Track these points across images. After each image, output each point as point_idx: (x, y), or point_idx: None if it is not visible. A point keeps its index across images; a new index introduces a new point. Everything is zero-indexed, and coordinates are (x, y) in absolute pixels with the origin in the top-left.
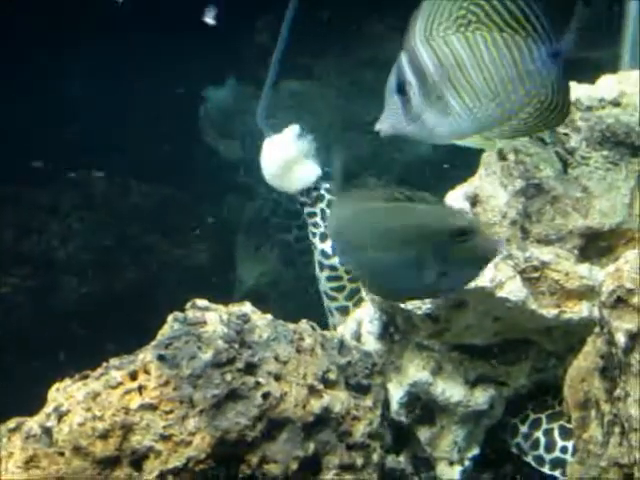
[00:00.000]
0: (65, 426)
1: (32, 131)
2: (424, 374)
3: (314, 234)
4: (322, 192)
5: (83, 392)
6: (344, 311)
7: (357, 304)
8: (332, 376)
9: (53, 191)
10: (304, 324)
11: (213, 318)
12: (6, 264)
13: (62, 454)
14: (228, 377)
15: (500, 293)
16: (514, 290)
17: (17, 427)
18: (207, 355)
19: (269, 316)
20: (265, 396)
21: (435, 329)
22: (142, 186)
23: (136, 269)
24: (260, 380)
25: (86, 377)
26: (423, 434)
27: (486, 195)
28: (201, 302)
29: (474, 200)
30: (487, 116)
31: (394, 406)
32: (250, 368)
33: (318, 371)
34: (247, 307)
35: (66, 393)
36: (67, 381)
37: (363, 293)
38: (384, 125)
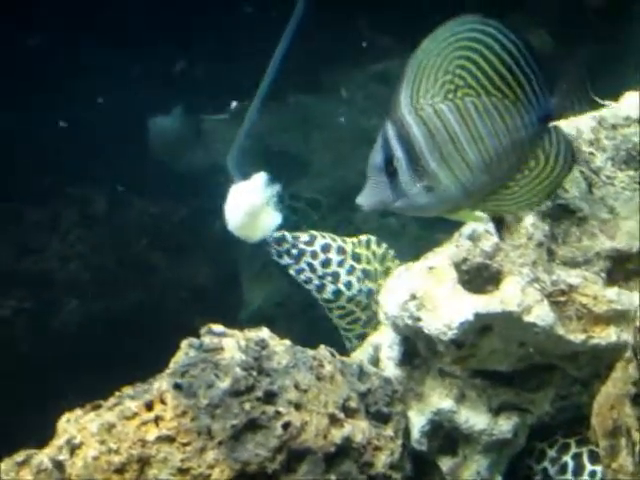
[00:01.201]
0: (79, 460)
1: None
2: (448, 402)
3: (309, 289)
4: (302, 247)
5: (97, 423)
6: (362, 338)
7: (375, 328)
8: (353, 404)
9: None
10: (323, 350)
11: (230, 344)
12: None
13: None
14: (247, 406)
15: (527, 318)
16: (542, 315)
17: (26, 460)
18: (225, 383)
19: (287, 342)
20: (285, 426)
21: (459, 355)
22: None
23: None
24: (280, 409)
25: (98, 407)
26: (445, 464)
27: (511, 217)
28: (217, 327)
29: (500, 222)
30: (478, 188)
31: (415, 435)
32: (269, 397)
33: (339, 399)
34: (264, 332)
35: (78, 424)
36: (78, 411)
37: (381, 317)
38: (368, 201)
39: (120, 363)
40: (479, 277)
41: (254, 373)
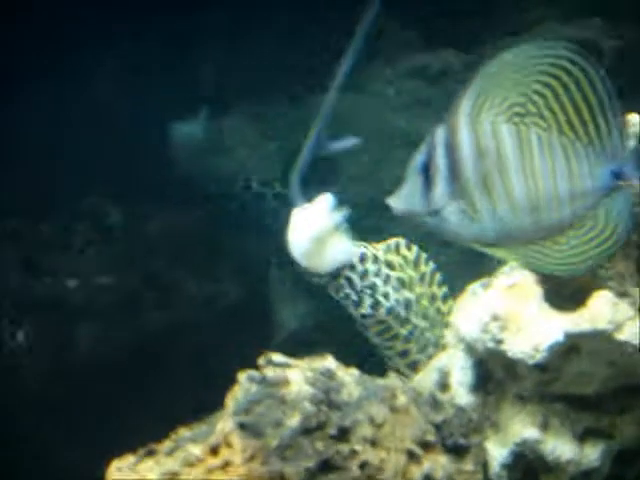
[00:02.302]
0: None
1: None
2: (533, 430)
3: (347, 305)
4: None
5: (158, 472)
6: (405, 355)
7: (424, 348)
8: (430, 437)
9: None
10: (394, 379)
11: (296, 377)
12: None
13: None
14: (319, 445)
15: (619, 336)
16: (635, 332)
17: None
18: (294, 421)
19: (355, 371)
20: (362, 466)
21: (542, 379)
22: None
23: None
24: (355, 447)
25: (153, 453)
26: None
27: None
28: (277, 357)
29: None
30: (518, 230)
31: (495, 468)
32: (343, 433)
33: (415, 433)
34: (330, 361)
35: (135, 474)
36: (129, 458)
37: (449, 338)
38: (398, 204)
39: (148, 394)
40: (561, 293)
41: (324, 408)
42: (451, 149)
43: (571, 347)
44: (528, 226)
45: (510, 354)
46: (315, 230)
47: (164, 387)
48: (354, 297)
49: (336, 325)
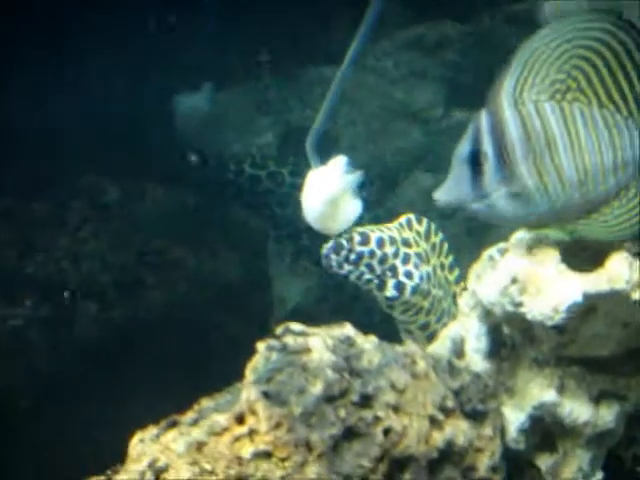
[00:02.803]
0: None
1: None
2: (550, 394)
3: (369, 290)
4: (359, 249)
5: (184, 442)
6: (425, 327)
7: (440, 318)
8: (449, 403)
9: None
10: (413, 345)
11: (317, 344)
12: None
13: None
14: (342, 413)
15: (635, 296)
16: None
17: None
18: (317, 388)
19: (374, 338)
20: (386, 432)
21: (560, 341)
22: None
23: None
24: (379, 414)
25: (175, 424)
26: (544, 462)
27: None
28: (295, 326)
29: None
30: (568, 206)
31: (512, 433)
32: (365, 400)
33: (436, 399)
34: (349, 329)
35: (159, 445)
36: (152, 429)
37: (462, 306)
38: (446, 196)
39: (147, 371)
40: (579, 255)
41: (346, 375)
42: (497, 134)
43: (589, 308)
44: (577, 201)
45: (529, 316)
46: (330, 193)
47: (163, 364)
48: (376, 281)
49: (339, 298)
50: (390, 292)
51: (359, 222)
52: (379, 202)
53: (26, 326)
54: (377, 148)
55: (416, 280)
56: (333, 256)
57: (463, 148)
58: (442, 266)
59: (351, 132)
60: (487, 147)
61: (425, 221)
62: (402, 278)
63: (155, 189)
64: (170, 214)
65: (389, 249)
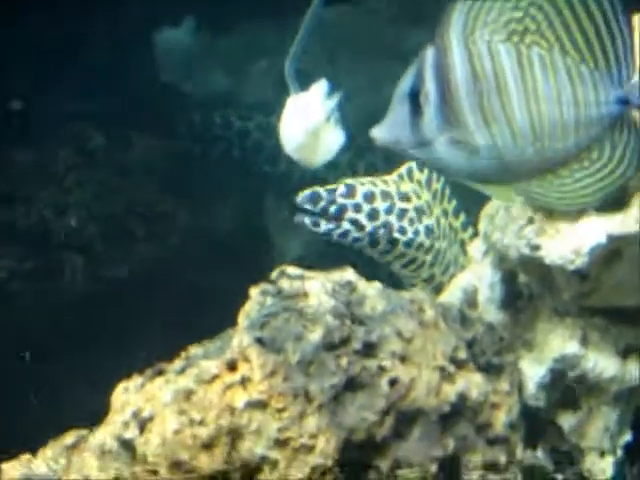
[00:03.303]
0: (154, 437)
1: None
2: (573, 345)
3: (360, 249)
4: (341, 201)
5: (170, 391)
6: (430, 280)
7: (445, 269)
8: (461, 355)
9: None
10: (420, 292)
11: (315, 288)
12: None
13: (155, 472)
14: (344, 362)
15: None
16: None
17: (79, 442)
18: (316, 335)
19: (378, 284)
20: (392, 383)
21: (582, 289)
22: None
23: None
24: (384, 364)
25: (162, 372)
26: (566, 421)
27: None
28: (292, 269)
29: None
30: (520, 163)
31: (531, 389)
32: (369, 349)
33: (447, 349)
34: (349, 273)
35: (144, 394)
36: (137, 378)
37: (474, 253)
38: (384, 136)
39: (140, 328)
40: None
41: (347, 321)
42: (442, 72)
43: (613, 252)
44: (530, 158)
45: (548, 260)
46: (309, 122)
47: (155, 322)
48: (367, 239)
49: (341, 251)
50: (382, 247)
51: (342, 154)
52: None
53: (9, 279)
54: (375, 96)
55: (410, 235)
56: (308, 206)
57: (404, 83)
58: (445, 213)
59: (348, 78)
60: (429, 85)
61: (426, 170)
62: (396, 235)
63: (143, 137)
64: (160, 164)
65: (380, 204)
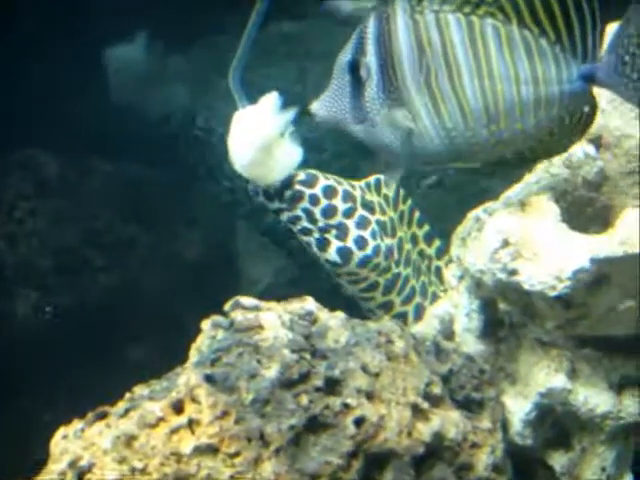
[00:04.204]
0: None
1: None
2: (559, 378)
3: (308, 244)
4: (298, 188)
5: (110, 436)
6: (388, 307)
7: (407, 297)
8: (436, 390)
9: None
10: (389, 322)
11: (270, 320)
12: None
13: None
14: (304, 400)
15: None
16: None
17: None
18: (272, 372)
19: (341, 314)
20: (358, 422)
21: (567, 317)
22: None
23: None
24: (348, 401)
25: (105, 415)
26: (558, 461)
27: (616, 135)
28: (247, 300)
29: (599, 142)
30: (470, 147)
31: (515, 426)
32: (332, 385)
33: (419, 384)
34: (310, 303)
35: (83, 440)
36: (77, 423)
37: (449, 279)
38: (323, 111)
39: (98, 365)
40: (582, 215)
41: (307, 356)
42: (383, 43)
43: (599, 277)
44: (484, 141)
45: (527, 286)
46: (260, 135)
47: (114, 357)
48: (316, 235)
49: (312, 281)
50: (331, 255)
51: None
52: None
53: None
54: None
55: (368, 252)
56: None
57: (344, 56)
58: (414, 238)
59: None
60: (370, 58)
61: (394, 186)
62: (351, 244)
63: (100, 161)
64: (119, 189)
65: (340, 203)
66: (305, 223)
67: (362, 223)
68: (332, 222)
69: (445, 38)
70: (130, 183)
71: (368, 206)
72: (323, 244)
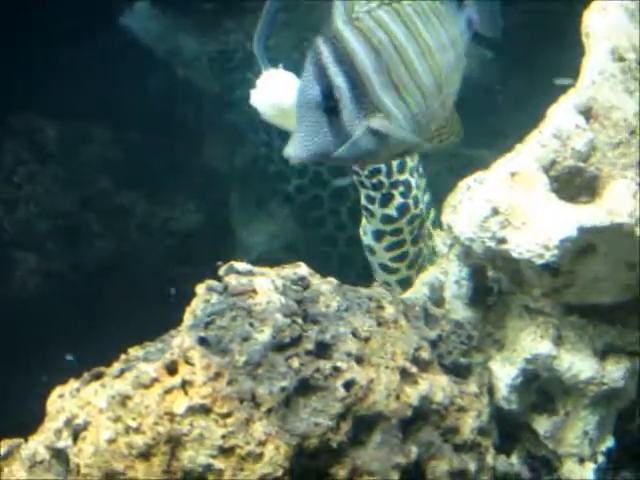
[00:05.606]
0: (87, 445)
1: None
2: (545, 345)
3: (371, 198)
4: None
5: (105, 396)
6: (406, 283)
7: (420, 271)
8: (425, 355)
9: None
10: (379, 288)
11: (264, 285)
12: None
13: None
14: (295, 363)
15: None
16: None
17: (11, 452)
18: (264, 335)
19: (333, 279)
20: (348, 385)
21: (554, 285)
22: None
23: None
24: (339, 364)
25: (100, 376)
26: (542, 425)
27: (606, 106)
28: (241, 265)
29: (588, 114)
30: (428, 122)
31: (501, 391)
32: (323, 349)
33: (408, 349)
34: (303, 268)
35: (79, 400)
36: (73, 383)
37: (440, 247)
38: (300, 150)
39: (94, 329)
40: (570, 185)
41: (299, 320)
42: (344, 61)
43: (586, 246)
44: (436, 112)
45: (515, 254)
46: (283, 91)
47: (111, 322)
48: (384, 191)
49: (306, 246)
50: (390, 210)
51: None
52: None
53: None
54: None
55: (421, 208)
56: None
57: (308, 90)
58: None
59: None
60: (338, 79)
61: (416, 156)
62: (409, 201)
63: (100, 128)
64: (118, 157)
65: (409, 161)
66: (382, 177)
67: (418, 183)
68: (401, 178)
69: (389, 33)
70: (129, 150)
71: (414, 169)
72: (386, 200)
